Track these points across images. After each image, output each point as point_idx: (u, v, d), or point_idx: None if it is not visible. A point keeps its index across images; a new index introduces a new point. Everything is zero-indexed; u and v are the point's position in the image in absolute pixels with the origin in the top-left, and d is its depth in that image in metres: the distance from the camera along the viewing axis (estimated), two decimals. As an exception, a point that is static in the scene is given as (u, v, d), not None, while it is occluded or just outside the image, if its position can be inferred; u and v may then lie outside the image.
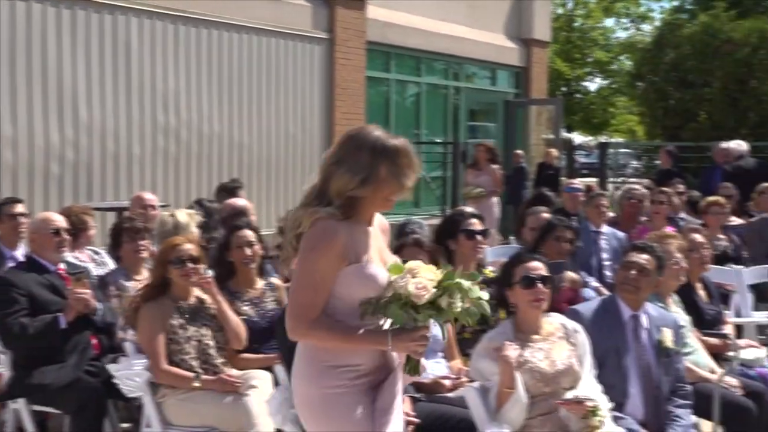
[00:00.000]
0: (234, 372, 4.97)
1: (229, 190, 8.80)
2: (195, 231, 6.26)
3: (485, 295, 3.25)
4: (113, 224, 6.20)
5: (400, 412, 3.43)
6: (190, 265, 4.99)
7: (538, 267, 4.39)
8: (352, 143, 3.25)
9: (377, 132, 3.28)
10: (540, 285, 4.31)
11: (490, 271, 5.63)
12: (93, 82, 10.26)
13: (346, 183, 3.19)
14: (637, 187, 9.18)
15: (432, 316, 3.21)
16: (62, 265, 5.53)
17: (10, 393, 5.29)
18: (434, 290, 3.18)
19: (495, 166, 12.38)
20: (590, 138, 36.26)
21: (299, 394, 3.38)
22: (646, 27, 33.15)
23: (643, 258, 4.86)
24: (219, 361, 5.01)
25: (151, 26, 10.89)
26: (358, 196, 3.21)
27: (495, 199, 12.28)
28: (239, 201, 7.56)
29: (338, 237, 3.18)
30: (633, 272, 4.81)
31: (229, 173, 11.57)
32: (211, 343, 5.02)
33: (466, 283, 3.20)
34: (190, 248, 5.04)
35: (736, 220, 9.32)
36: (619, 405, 4.49)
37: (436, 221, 10.14)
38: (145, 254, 5.96)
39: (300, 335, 3.29)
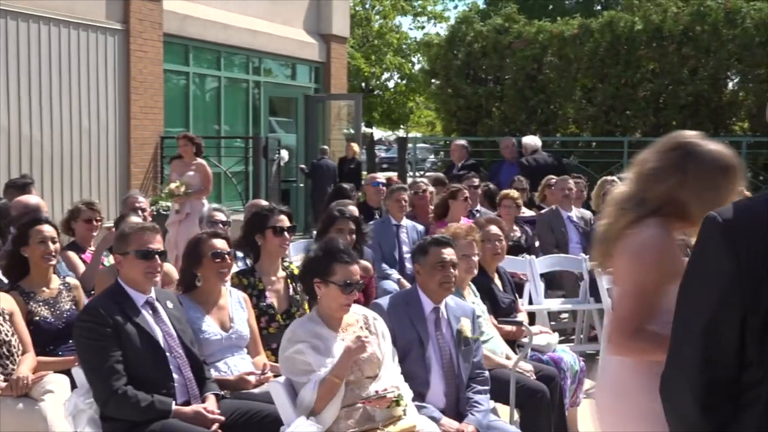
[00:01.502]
0: (27, 374, 4.75)
1: (19, 186, 8.38)
2: None
3: None
4: None
5: None
6: None
7: (356, 272, 4.37)
8: (692, 160, 3.00)
9: (711, 146, 3.03)
10: (354, 291, 4.34)
11: (294, 266, 5.66)
12: None
13: (696, 208, 2.93)
14: (421, 180, 9.46)
15: None
16: None
17: None
18: None
19: (201, 160, 10.70)
20: (390, 133, 36.96)
21: (629, 408, 3.08)
22: (442, 26, 34.12)
23: (451, 254, 4.97)
24: (13, 364, 4.77)
25: (-71, 13, 10.24)
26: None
27: (205, 200, 10.45)
28: (31, 198, 7.24)
29: (670, 249, 2.99)
30: (452, 270, 4.91)
31: (18, 169, 11.03)
32: (3, 350, 4.77)
33: None
34: None
35: (527, 212, 9.75)
36: (421, 394, 4.61)
37: (237, 216, 10.06)
38: None
39: (620, 348, 3.04)
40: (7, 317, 4.86)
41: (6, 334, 4.80)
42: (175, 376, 4.35)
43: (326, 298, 4.33)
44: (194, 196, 10.23)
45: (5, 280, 5.44)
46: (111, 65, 12.96)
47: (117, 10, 12.99)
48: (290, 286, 5.48)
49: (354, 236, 6.28)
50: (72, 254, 6.46)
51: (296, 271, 5.55)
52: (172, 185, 10.24)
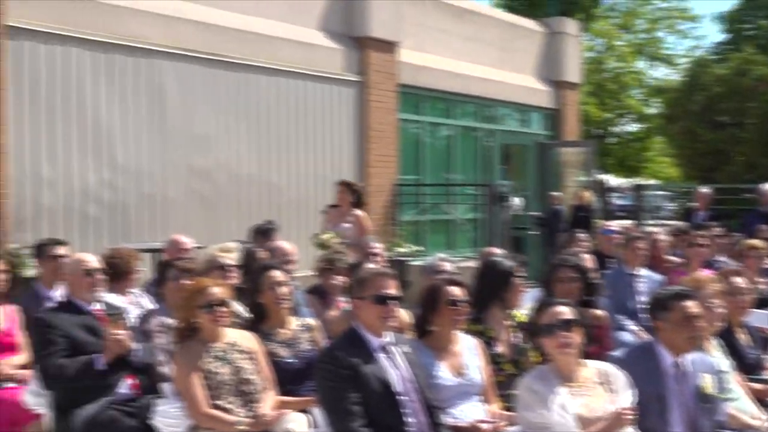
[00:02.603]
0: (268, 411, 4.93)
1: (264, 232, 8.82)
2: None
3: None
4: (161, 261, 6.21)
5: None
6: (221, 309, 4.96)
7: (562, 312, 4.35)
8: None
9: None
10: (562, 331, 4.27)
11: (520, 314, 5.59)
12: (129, 125, 10.37)
13: None
14: (655, 230, 9.15)
15: None
16: (99, 306, 5.55)
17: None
18: None
19: (360, 212, 9.80)
20: (625, 180, 36.13)
21: None
22: (671, 70, 33.13)
23: (697, 306, 4.73)
24: (256, 402, 4.96)
25: (185, 69, 11.01)
26: None
27: None
28: (286, 245, 7.58)
29: None
30: (700, 324, 4.67)
31: (262, 215, 11.58)
32: (247, 387, 4.97)
33: None
34: (219, 291, 4.98)
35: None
36: (661, 451, 4.42)
37: (470, 263, 10.09)
38: None
39: None
40: (249, 356, 5.07)
41: (250, 373, 5.00)
42: (410, 420, 4.38)
43: (546, 349, 4.33)
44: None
45: (246, 315, 5.67)
46: (349, 115, 13.44)
47: (355, 62, 13.47)
48: (515, 334, 5.43)
49: (578, 284, 6.13)
50: (312, 297, 6.70)
51: (521, 319, 5.49)
52: (325, 236, 9.38)
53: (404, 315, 5.92)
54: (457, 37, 15.92)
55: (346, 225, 9.56)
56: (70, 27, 9.75)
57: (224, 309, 4.96)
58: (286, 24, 12.51)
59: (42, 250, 6.65)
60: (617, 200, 28.04)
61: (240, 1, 11.86)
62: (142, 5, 10.54)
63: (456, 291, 4.97)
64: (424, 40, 15.14)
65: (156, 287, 6.18)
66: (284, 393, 5.20)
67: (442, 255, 8.51)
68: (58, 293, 6.29)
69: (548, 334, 4.32)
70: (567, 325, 4.31)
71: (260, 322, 5.49)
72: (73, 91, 9.81)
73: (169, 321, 5.65)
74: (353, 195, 9.82)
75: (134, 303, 6.48)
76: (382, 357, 4.48)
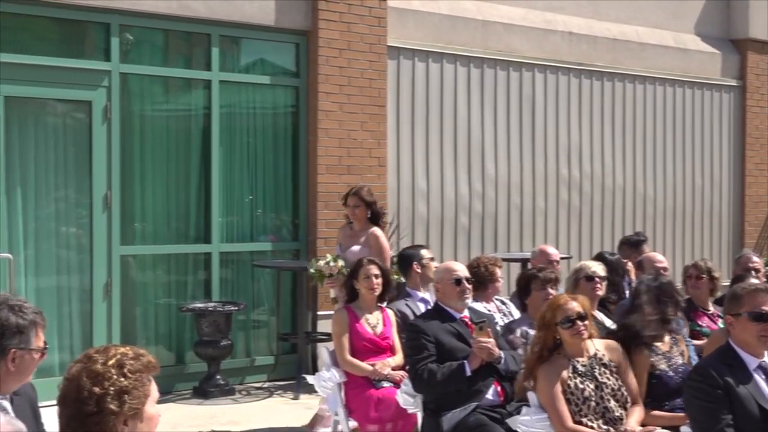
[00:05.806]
0: (634, 426, 4.80)
1: (632, 243, 8.66)
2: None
3: None
4: (522, 273, 6.29)
5: None
6: (579, 323, 4.91)
7: None
8: None
9: None
10: None
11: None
12: (499, 137, 10.63)
13: None
14: None
15: None
16: (467, 313, 5.72)
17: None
18: None
19: (376, 229, 7.57)
20: None
21: None
22: None
23: None
24: (617, 415, 4.86)
25: (554, 80, 11.10)
26: None
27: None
28: (659, 256, 7.41)
29: None
30: None
31: (632, 226, 11.40)
32: (611, 403, 4.88)
33: None
34: (576, 306, 4.94)
35: None
36: None
37: None
38: None
39: None
40: (613, 369, 4.99)
41: (615, 388, 4.92)
42: (789, 447, 4.09)
43: None
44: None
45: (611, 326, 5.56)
46: (725, 122, 12.83)
47: (732, 66, 12.84)
48: None
49: None
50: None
51: None
52: (321, 262, 7.39)
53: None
54: None
55: (356, 248, 7.52)
56: (446, 44, 10.19)
57: (584, 322, 4.92)
58: (660, 30, 12.22)
59: (411, 257, 6.93)
60: None
61: (612, 10, 11.76)
62: (514, 20, 10.78)
63: None
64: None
65: (519, 298, 6.25)
66: (658, 407, 5.08)
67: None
68: (429, 298, 6.57)
69: None
70: None
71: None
72: (447, 105, 10.24)
73: (532, 331, 5.71)
74: (368, 208, 7.64)
75: (501, 311, 6.60)
76: (758, 377, 4.21)
